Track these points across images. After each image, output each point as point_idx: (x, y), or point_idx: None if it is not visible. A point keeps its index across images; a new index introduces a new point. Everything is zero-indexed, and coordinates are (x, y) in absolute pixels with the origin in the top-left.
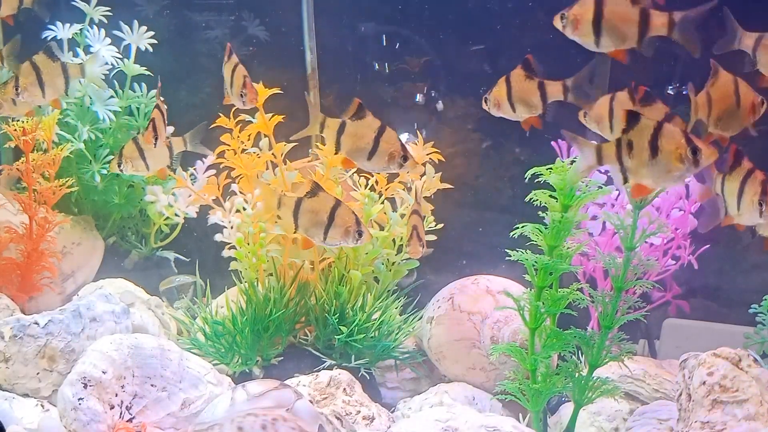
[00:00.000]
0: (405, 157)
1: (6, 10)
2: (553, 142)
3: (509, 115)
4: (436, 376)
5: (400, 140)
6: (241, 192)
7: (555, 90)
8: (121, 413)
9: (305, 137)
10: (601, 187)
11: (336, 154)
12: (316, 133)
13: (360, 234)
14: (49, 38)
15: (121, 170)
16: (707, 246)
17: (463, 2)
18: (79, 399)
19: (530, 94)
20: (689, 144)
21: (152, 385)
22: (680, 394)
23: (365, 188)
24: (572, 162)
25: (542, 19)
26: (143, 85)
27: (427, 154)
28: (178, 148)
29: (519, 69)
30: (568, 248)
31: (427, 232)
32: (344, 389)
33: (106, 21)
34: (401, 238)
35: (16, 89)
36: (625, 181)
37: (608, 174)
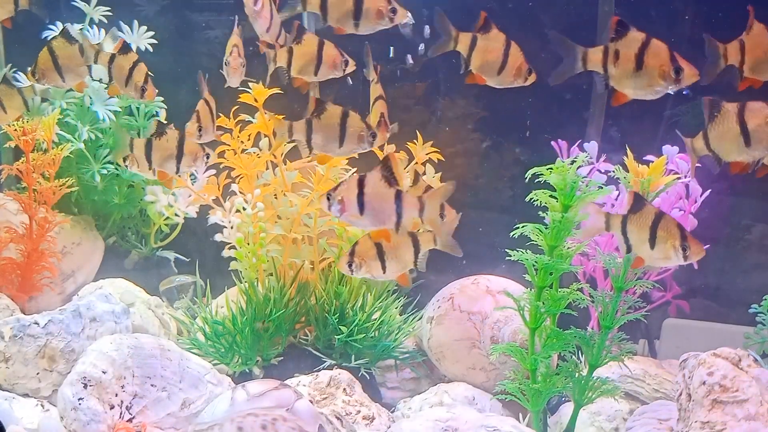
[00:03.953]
0: (531, 70)
1: (2, 14)
2: (553, 142)
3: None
4: (436, 376)
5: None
6: (241, 192)
7: None
8: (121, 413)
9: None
10: (602, 187)
11: (468, 70)
12: (450, 48)
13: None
14: (49, 38)
15: (126, 166)
16: (707, 246)
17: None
18: (79, 399)
19: None
20: (673, 62)
21: (152, 385)
22: (680, 394)
23: None
24: (572, 162)
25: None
26: None
27: (427, 154)
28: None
29: None
30: (568, 248)
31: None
32: (344, 389)
33: (106, 21)
34: None
35: (34, 74)
36: (606, 87)
37: (609, 174)
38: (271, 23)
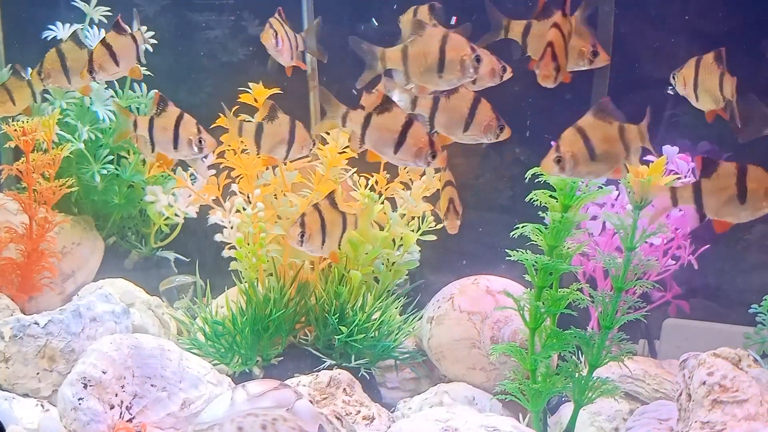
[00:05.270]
0: (595, 52)
1: None
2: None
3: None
4: (436, 376)
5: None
6: (241, 192)
7: None
8: (121, 413)
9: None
10: (601, 187)
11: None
12: (500, 37)
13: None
14: (49, 38)
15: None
16: (707, 246)
17: None
18: (79, 399)
19: None
20: None
21: (152, 385)
22: (680, 394)
23: (365, 188)
24: None
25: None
26: (143, 85)
27: None
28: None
29: None
30: (568, 248)
31: (427, 232)
32: (344, 389)
33: (106, 21)
34: (401, 238)
35: (40, 74)
36: None
37: None
38: (294, 52)
